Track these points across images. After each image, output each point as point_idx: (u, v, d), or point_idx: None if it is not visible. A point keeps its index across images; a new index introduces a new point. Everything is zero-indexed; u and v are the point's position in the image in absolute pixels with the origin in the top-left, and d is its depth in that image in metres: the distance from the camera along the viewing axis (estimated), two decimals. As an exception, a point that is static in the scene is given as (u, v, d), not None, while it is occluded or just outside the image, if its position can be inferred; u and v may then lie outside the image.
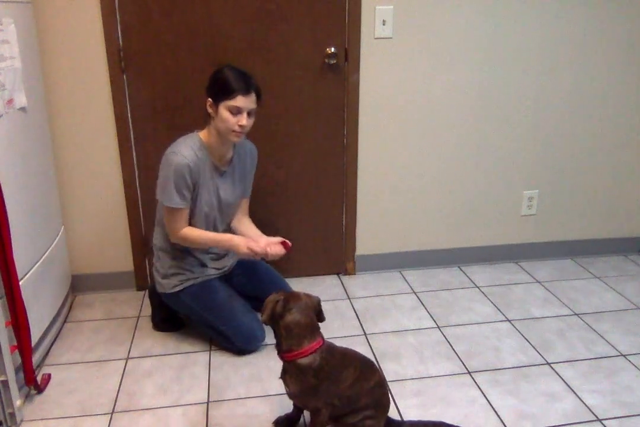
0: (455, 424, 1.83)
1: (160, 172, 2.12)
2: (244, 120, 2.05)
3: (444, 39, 2.66)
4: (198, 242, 2.18)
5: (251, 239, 2.15)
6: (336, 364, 1.67)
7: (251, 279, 2.45)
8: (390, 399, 1.88)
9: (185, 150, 2.08)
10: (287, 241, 2.15)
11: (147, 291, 2.74)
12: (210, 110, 2.09)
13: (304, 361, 1.63)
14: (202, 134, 2.16)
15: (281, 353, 1.68)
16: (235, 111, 2.04)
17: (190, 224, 2.19)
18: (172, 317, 2.43)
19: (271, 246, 2.12)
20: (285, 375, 1.71)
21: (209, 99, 2.08)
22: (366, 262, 2.95)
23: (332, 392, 1.66)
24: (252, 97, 2.06)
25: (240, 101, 2.03)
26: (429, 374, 2.14)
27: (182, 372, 2.17)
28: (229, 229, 2.36)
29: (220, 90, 2.04)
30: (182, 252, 2.25)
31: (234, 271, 2.43)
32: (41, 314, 2.17)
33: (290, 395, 1.74)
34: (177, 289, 2.24)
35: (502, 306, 2.63)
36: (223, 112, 2.04)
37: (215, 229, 2.27)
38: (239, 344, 2.25)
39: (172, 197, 2.08)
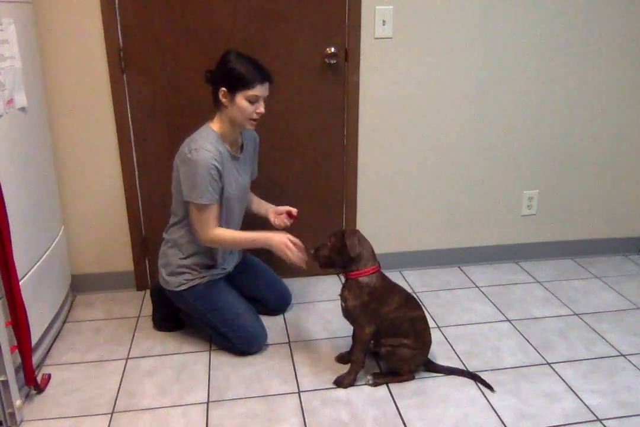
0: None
1: (183, 170, 2.06)
2: (262, 107, 2.08)
3: (444, 39, 2.66)
4: (231, 243, 2.15)
5: (287, 235, 2.07)
6: (386, 288, 2.02)
7: (250, 280, 2.46)
8: (432, 340, 2.13)
9: (207, 145, 2.04)
10: (292, 210, 2.30)
11: (147, 290, 2.75)
12: (224, 99, 2.06)
13: (364, 279, 1.98)
14: (214, 126, 2.13)
15: (347, 273, 2.02)
16: (254, 100, 2.05)
17: None
18: (173, 316, 2.43)
19: (279, 218, 2.32)
20: (344, 291, 2.04)
21: (223, 89, 2.05)
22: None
23: (378, 312, 2.00)
24: (267, 84, 2.08)
25: (259, 90, 2.04)
26: (429, 374, 2.14)
27: (182, 372, 2.17)
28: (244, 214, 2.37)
29: (239, 80, 2.02)
30: (199, 250, 2.21)
31: (234, 271, 2.43)
32: (41, 314, 2.17)
33: (345, 310, 2.06)
34: (182, 287, 2.23)
35: (502, 306, 2.63)
36: (241, 101, 2.04)
37: (234, 217, 2.25)
38: (240, 346, 2.24)
39: (204, 193, 2.04)
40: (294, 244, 2.06)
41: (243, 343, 2.24)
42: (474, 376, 2.11)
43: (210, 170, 2.03)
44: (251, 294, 2.43)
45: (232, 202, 2.20)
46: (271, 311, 2.53)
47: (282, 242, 2.05)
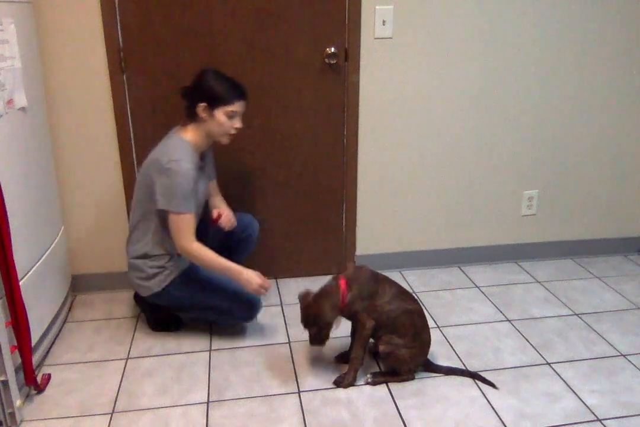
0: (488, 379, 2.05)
1: (161, 180, 2.10)
2: (239, 123, 2.19)
3: (444, 39, 2.66)
4: (207, 263, 2.16)
5: (259, 275, 2.17)
6: (371, 282, 2.05)
7: (215, 231, 2.43)
8: (431, 340, 2.14)
9: (186, 157, 2.11)
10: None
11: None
12: (203, 114, 2.15)
13: (348, 296, 2.01)
14: (187, 137, 2.18)
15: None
16: (232, 115, 2.16)
17: None
18: (167, 317, 2.43)
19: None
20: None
21: (202, 104, 2.13)
22: (366, 262, 2.94)
23: (374, 305, 2.02)
24: (244, 101, 2.19)
25: (237, 106, 2.16)
26: (429, 374, 2.14)
27: (182, 372, 2.17)
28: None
29: (219, 96, 2.13)
30: (160, 253, 2.25)
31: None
32: (41, 314, 2.17)
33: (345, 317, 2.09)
34: (165, 284, 2.25)
35: (502, 306, 2.63)
36: (220, 116, 2.14)
37: None
38: (241, 314, 2.30)
39: (183, 202, 2.10)
40: (261, 284, 2.17)
41: (241, 309, 2.29)
42: (473, 375, 2.11)
43: (189, 181, 2.10)
44: (215, 239, 2.40)
45: (195, 209, 2.23)
46: (242, 240, 2.51)
47: (252, 281, 2.15)
